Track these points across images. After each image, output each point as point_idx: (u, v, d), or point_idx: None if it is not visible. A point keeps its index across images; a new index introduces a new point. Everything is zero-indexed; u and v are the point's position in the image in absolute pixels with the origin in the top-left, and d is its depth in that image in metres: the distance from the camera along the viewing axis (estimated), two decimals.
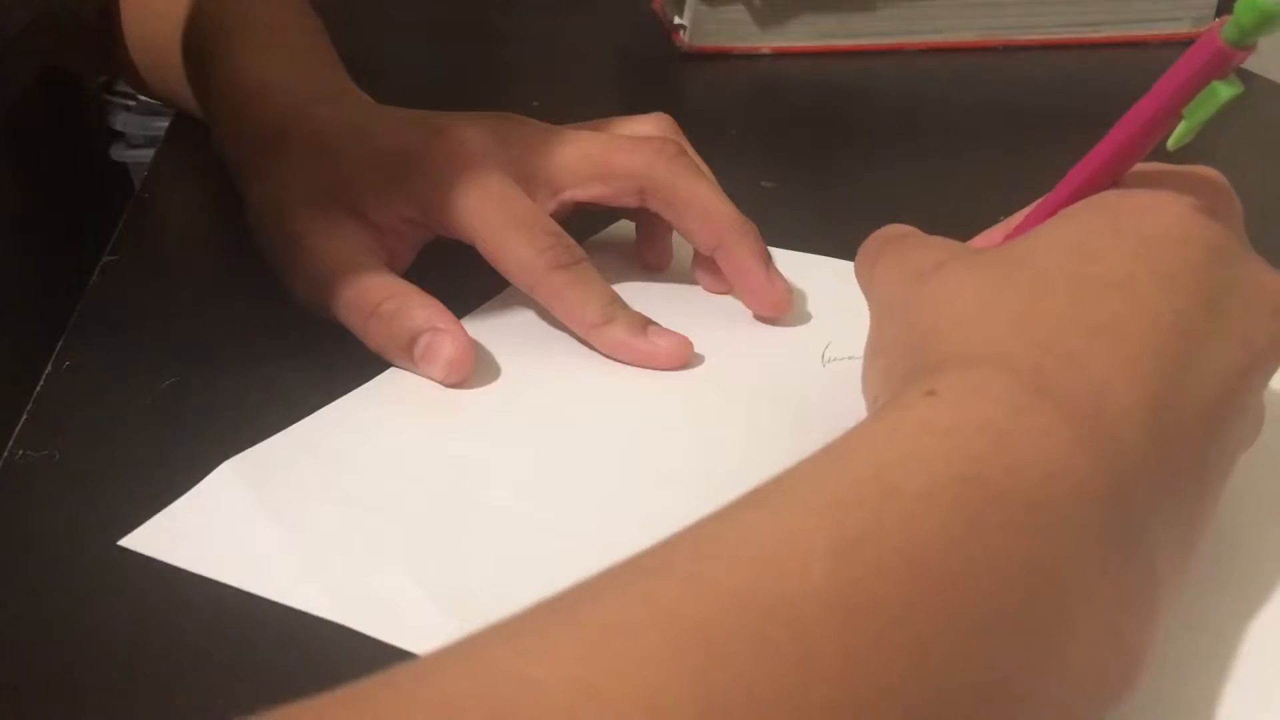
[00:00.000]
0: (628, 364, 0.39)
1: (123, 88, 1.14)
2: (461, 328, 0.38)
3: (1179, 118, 0.28)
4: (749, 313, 0.42)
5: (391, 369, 0.39)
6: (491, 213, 0.39)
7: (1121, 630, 0.21)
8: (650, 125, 0.44)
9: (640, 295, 0.42)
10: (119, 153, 1.15)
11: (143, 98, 1.12)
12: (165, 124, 0.61)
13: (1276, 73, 0.73)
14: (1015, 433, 0.21)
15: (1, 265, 0.51)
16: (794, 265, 0.43)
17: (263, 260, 0.42)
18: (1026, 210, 0.33)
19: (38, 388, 0.38)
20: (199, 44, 0.50)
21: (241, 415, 0.36)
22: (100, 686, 0.27)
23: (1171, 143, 0.29)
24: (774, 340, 0.41)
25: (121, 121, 1.19)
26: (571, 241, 0.39)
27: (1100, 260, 0.26)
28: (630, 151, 0.41)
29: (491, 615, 0.27)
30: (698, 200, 0.41)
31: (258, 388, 0.37)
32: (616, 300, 0.39)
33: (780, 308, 0.41)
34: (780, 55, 0.73)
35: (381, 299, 0.38)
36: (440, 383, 0.37)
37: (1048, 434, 0.21)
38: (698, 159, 0.43)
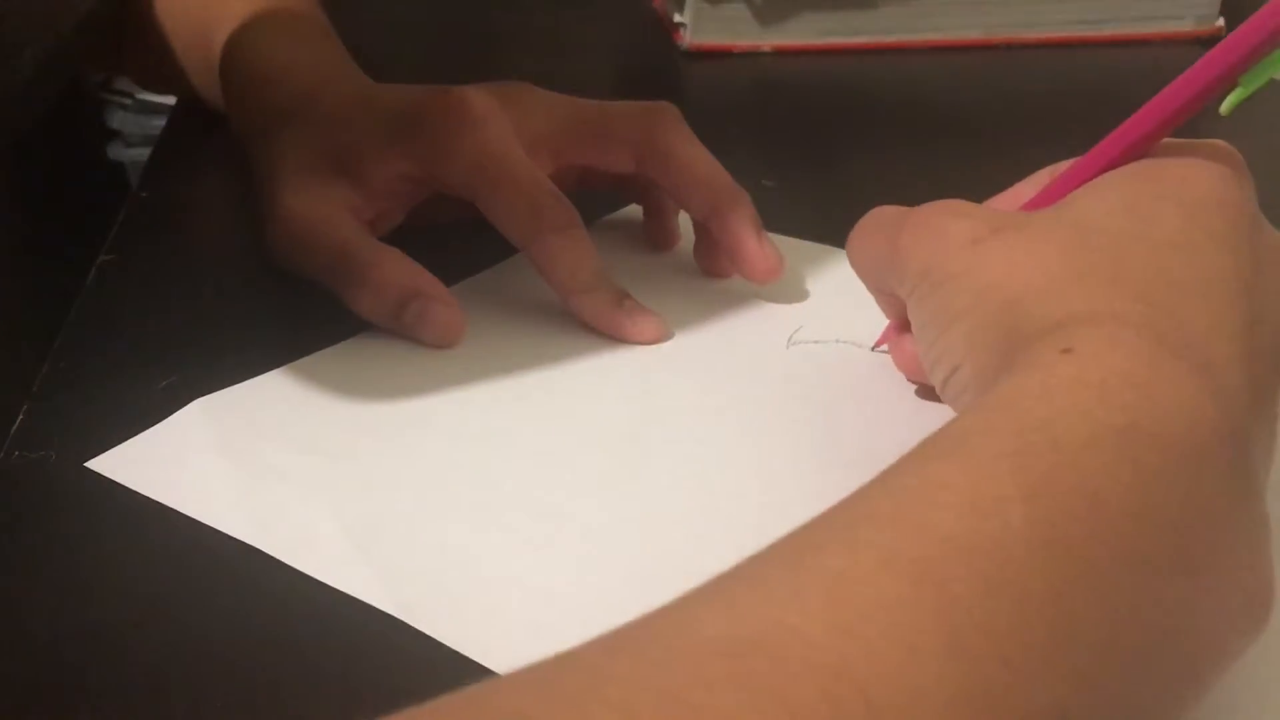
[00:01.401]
0: (601, 333, 0.40)
1: (120, 86, 1.13)
2: (448, 292, 0.39)
3: (1230, 86, 0.30)
4: (730, 296, 0.42)
5: (364, 333, 0.40)
6: (492, 169, 0.39)
7: (1259, 559, 0.23)
8: (647, 108, 0.44)
9: (638, 275, 0.42)
10: (116, 152, 1.14)
11: (140, 96, 1.12)
12: (162, 123, 0.60)
13: (1277, 73, 0.73)
14: (1156, 383, 0.23)
15: None
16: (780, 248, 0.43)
17: (261, 255, 0.42)
18: (1054, 171, 0.33)
19: (35, 387, 0.37)
20: (214, 31, 0.51)
21: None
22: (100, 684, 0.27)
23: (1225, 108, 0.31)
24: (747, 321, 0.41)
25: (118, 120, 1.19)
26: (569, 205, 0.39)
27: (1158, 223, 0.27)
28: (628, 116, 0.42)
29: (402, 558, 0.30)
30: (695, 166, 0.41)
31: None
32: (604, 271, 0.40)
33: (772, 275, 0.41)
34: (781, 53, 0.73)
35: (367, 265, 0.39)
36: (432, 346, 0.38)
37: (1180, 384, 0.23)
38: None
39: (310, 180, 0.40)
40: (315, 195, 0.40)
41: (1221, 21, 0.75)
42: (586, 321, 0.40)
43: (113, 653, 0.28)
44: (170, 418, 0.35)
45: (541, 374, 0.38)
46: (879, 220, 0.34)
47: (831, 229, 0.44)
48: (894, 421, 0.36)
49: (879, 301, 0.36)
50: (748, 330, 0.41)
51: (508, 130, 0.40)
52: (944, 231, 0.30)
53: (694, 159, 0.41)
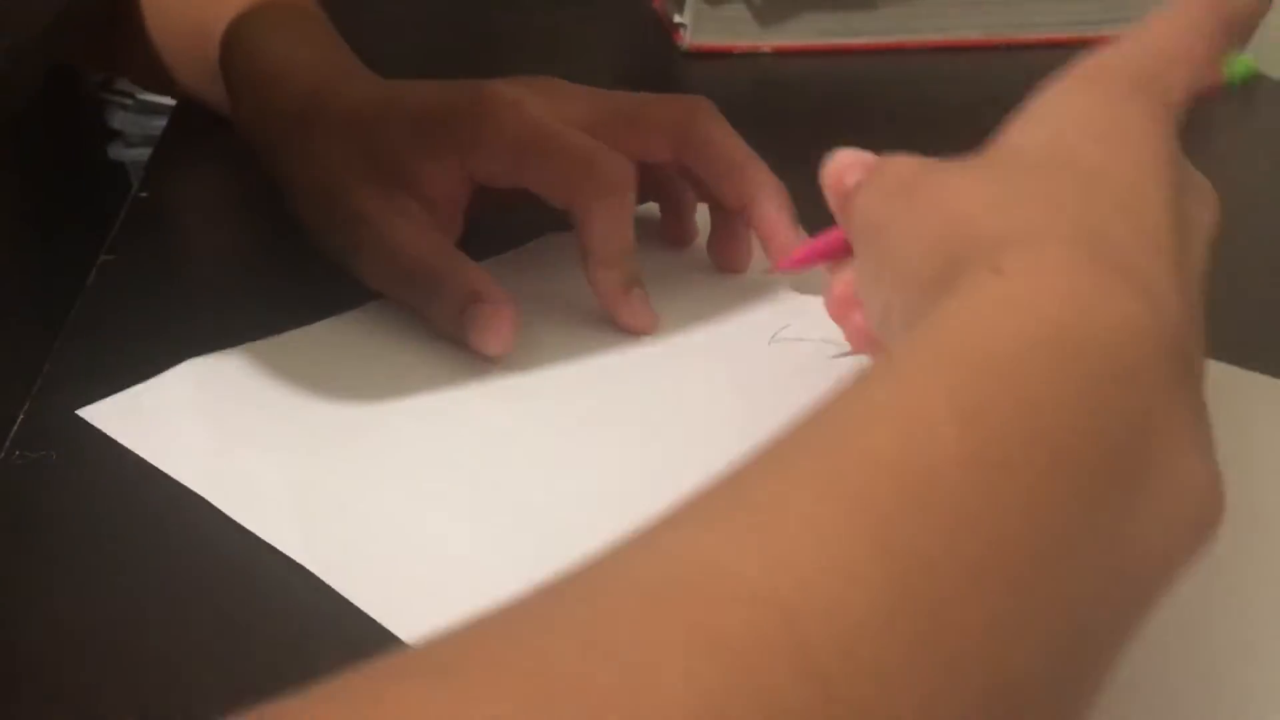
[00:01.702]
0: (601, 307, 0.40)
1: (121, 86, 1.13)
2: (509, 300, 0.38)
3: None
4: (728, 293, 0.43)
5: (362, 307, 0.41)
6: (539, 140, 0.40)
7: (1206, 464, 0.23)
8: (681, 98, 0.44)
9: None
10: (116, 152, 1.14)
11: (141, 96, 1.12)
12: (163, 123, 0.60)
13: (1277, 73, 0.73)
14: (1090, 298, 0.23)
15: None
16: None
17: (259, 256, 0.42)
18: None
19: (35, 387, 0.37)
20: (212, 28, 0.51)
21: None
22: (101, 683, 0.27)
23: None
24: (736, 318, 0.42)
25: (119, 120, 1.19)
26: (624, 160, 0.40)
27: (1085, 154, 0.27)
28: (666, 105, 0.43)
29: (340, 526, 0.31)
30: (735, 154, 0.42)
31: None
32: (631, 250, 0.40)
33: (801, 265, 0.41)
34: (781, 54, 0.73)
35: (442, 275, 0.39)
36: (483, 354, 0.38)
37: (1115, 297, 0.23)
38: None
39: (389, 201, 0.41)
40: (401, 214, 0.40)
41: None
42: (594, 291, 0.40)
43: (113, 651, 0.28)
44: (161, 374, 0.37)
45: (524, 359, 0.39)
46: (836, 181, 0.34)
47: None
48: None
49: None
50: (738, 327, 0.41)
51: (544, 111, 0.40)
52: (882, 183, 0.31)
53: (733, 147, 0.42)
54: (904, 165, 0.30)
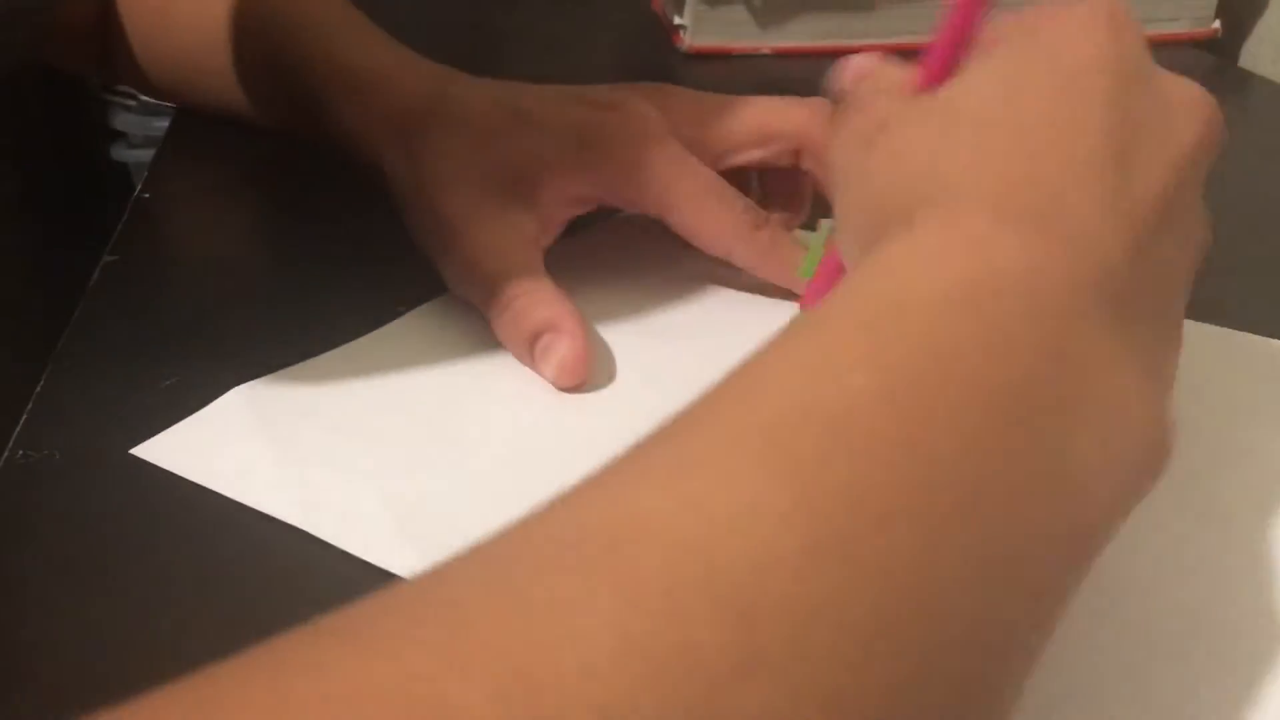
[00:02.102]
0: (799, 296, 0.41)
1: (123, 87, 1.14)
2: (582, 330, 0.38)
3: None
4: (733, 293, 0.43)
5: (402, 318, 0.41)
6: (686, 183, 0.41)
7: (1148, 397, 0.23)
8: (804, 105, 0.45)
9: (644, 273, 0.43)
10: (119, 152, 1.14)
11: (144, 98, 1.13)
12: (165, 124, 0.61)
13: (1276, 73, 0.73)
14: (996, 243, 0.24)
15: (1, 264, 0.51)
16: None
17: (260, 256, 0.42)
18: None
19: (37, 388, 0.38)
20: (268, 44, 0.51)
21: None
22: (103, 682, 0.27)
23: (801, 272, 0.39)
24: (753, 319, 0.42)
25: (122, 121, 1.19)
26: (750, 201, 0.42)
27: (1030, 102, 0.27)
28: (786, 112, 0.43)
29: (442, 537, 0.30)
30: None
31: None
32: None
33: None
34: (780, 55, 0.73)
35: (517, 293, 0.39)
36: (553, 384, 0.38)
37: (1021, 241, 0.24)
38: None
39: (493, 208, 0.40)
40: (498, 222, 0.40)
41: (1218, 24, 0.75)
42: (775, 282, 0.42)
43: (113, 651, 0.28)
44: (212, 404, 0.36)
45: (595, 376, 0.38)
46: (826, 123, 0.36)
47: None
48: None
49: None
50: (753, 329, 0.41)
51: (680, 129, 0.41)
52: (849, 132, 0.31)
53: None
54: (857, 120, 0.31)
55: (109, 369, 0.39)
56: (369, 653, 0.16)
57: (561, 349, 0.37)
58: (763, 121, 0.43)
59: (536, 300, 0.38)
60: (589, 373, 0.38)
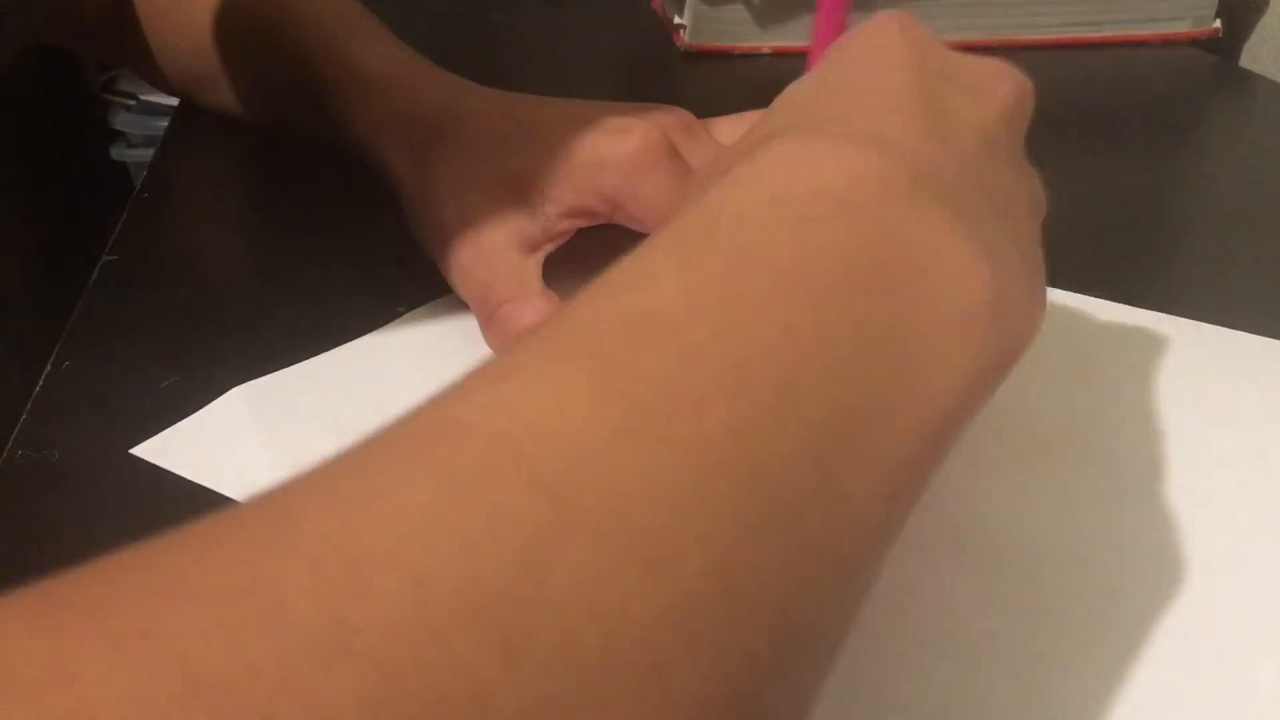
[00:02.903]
0: None
1: (123, 87, 1.14)
2: None
3: None
4: None
5: (402, 319, 0.41)
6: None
7: (981, 272, 0.24)
8: None
9: None
10: (119, 152, 1.15)
11: (144, 97, 1.13)
12: (165, 124, 0.61)
13: (1277, 73, 0.73)
14: (807, 160, 0.25)
15: (1, 264, 0.51)
16: None
17: (261, 255, 0.42)
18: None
19: (37, 388, 0.38)
20: (280, 43, 0.51)
21: None
22: None
23: None
24: None
25: (121, 121, 1.19)
26: None
27: (847, 69, 0.30)
28: None
29: None
30: None
31: None
32: None
33: None
34: (781, 55, 0.73)
35: (504, 299, 0.39)
36: None
37: (834, 154, 0.25)
38: None
39: (485, 213, 0.40)
40: (489, 231, 0.40)
41: (1218, 23, 0.75)
42: None
43: None
44: (211, 404, 0.36)
45: None
46: None
47: None
48: None
49: None
50: None
51: (692, 152, 0.41)
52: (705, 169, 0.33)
53: None
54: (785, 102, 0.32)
55: (109, 369, 0.39)
56: (198, 550, 0.17)
57: None
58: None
59: (523, 306, 0.39)
60: None
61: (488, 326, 0.39)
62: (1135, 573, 0.31)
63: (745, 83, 0.71)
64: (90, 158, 0.71)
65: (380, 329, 0.41)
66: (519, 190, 0.41)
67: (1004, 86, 0.30)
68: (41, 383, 0.38)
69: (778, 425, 0.20)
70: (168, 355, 0.39)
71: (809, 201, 0.23)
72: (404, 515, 0.17)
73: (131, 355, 0.40)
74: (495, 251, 0.40)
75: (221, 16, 0.53)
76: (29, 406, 0.37)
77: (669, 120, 0.42)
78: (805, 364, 0.21)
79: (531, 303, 0.39)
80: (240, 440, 0.35)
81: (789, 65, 0.72)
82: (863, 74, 0.29)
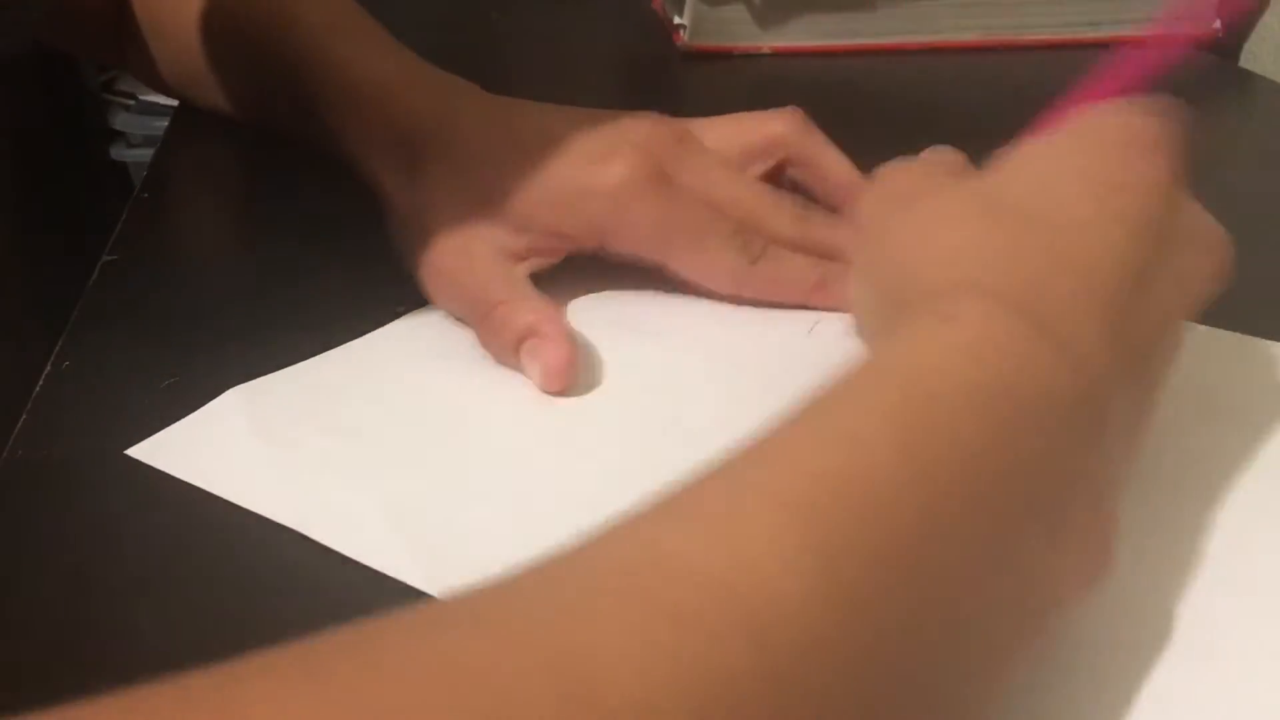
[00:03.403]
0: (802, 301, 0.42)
1: (123, 87, 1.14)
2: (566, 335, 0.38)
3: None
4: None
5: (401, 319, 0.41)
6: (677, 231, 0.41)
7: (1099, 519, 0.26)
8: (780, 116, 0.45)
9: (653, 273, 0.43)
10: (118, 152, 1.14)
11: (143, 97, 1.13)
12: (165, 124, 0.61)
13: (1277, 73, 0.73)
14: (1016, 350, 0.26)
15: (1, 264, 0.51)
16: None
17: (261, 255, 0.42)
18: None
19: (36, 388, 0.38)
20: (274, 49, 0.50)
21: None
22: (105, 680, 0.27)
23: None
24: (770, 316, 0.42)
25: (121, 121, 1.19)
26: (751, 229, 0.41)
27: (1067, 206, 0.29)
28: (763, 126, 0.44)
29: (438, 539, 0.31)
30: (839, 166, 0.44)
31: None
32: (820, 261, 0.42)
33: None
34: (780, 55, 0.73)
35: (497, 302, 0.39)
36: (541, 389, 0.38)
37: (1037, 353, 0.26)
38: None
39: (464, 218, 0.40)
40: (466, 235, 0.40)
41: (1218, 24, 0.75)
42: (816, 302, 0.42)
43: (117, 649, 0.28)
44: (207, 405, 0.36)
45: (585, 376, 0.38)
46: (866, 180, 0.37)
47: None
48: None
49: None
50: (771, 324, 0.42)
51: (680, 175, 0.41)
52: (885, 191, 0.33)
53: (833, 159, 0.44)
54: (899, 181, 0.33)
55: (108, 369, 0.39)
56: (420, 641, 0.18)
57: (545, 354, 0.37)
58: (744, 140, 0.43)
59: (519, 307, 0.38)
60: (575, 375, 0.38)
61: (483, 326, 0.39)
62: (1135, 573, 0.31)
63: (745, 83, 0.71)
64: (90, 158, 0.71)
65: (380, 329, 0.40)
66: (506, 211, 0.41)
67: (1211, 262, 0.31)
68: (41, 383, 0.38)
69: (934, 620, 0.22)
70: (167, 355, 0.39)
71: (1011, 404, 0.25)
72: (628, 656, 0.18)
73: (131, 355, 0.40)
74: (485, 261, 0.40)
75: (214, 17, 0.53)
76: (29, 406, 0.37)
77: (657, 134, 0.41)
78: (962, 572, 0.23)
79: (528, 303, 0.39)
80: (235, 442, 0.35)
81: (789, 65, 0.72)
82: (1089, 229, 0.29)
